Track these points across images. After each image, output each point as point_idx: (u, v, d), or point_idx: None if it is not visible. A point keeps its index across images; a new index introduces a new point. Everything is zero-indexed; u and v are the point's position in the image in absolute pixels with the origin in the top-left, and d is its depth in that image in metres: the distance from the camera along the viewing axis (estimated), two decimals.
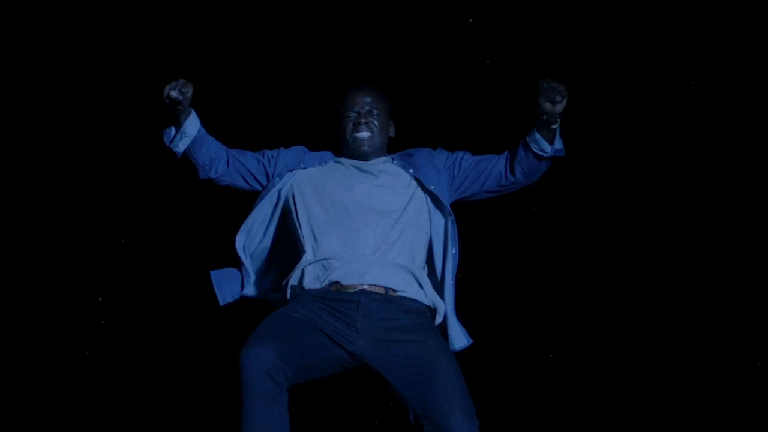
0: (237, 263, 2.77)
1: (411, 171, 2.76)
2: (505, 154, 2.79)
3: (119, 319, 3.87)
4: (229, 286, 2.75)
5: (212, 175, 2.79)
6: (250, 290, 2.80)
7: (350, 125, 2.78)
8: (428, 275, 2.72)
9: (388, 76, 3.55)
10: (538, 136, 2.67)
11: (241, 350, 2.31)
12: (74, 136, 3.91)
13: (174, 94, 2.58)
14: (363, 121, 2.77)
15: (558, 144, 2.70)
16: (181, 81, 2.59)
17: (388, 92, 2.92)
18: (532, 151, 2.69)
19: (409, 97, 3.51)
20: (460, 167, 2.80)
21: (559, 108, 2.57)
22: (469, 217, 2.93)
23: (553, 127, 2.64)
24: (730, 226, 3.73)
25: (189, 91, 2.60)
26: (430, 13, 3.80)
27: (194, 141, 2.71)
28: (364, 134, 2.77)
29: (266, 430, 2.28)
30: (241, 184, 2.83)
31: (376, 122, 2.79)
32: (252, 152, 2.85)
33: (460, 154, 2.84)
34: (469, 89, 3.78)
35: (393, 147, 2.94)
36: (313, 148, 2.93)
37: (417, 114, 3.48)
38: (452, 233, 2.74)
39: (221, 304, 2.74)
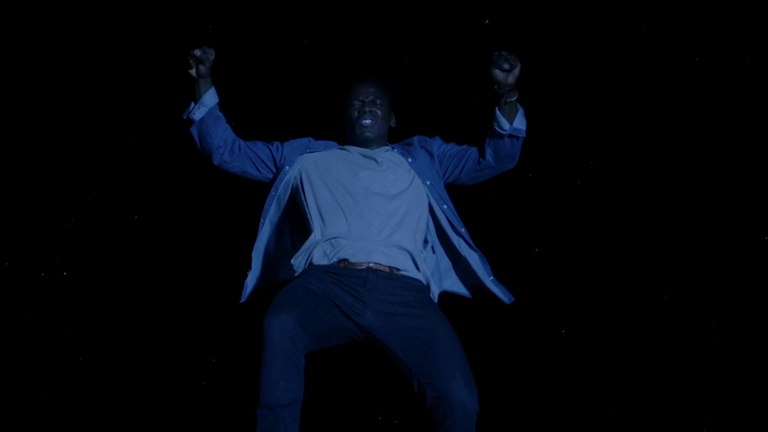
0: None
1: (410, 160, 2.92)
2: (473, 146, 2.94)
3: (122, 314, 3.91)
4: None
5: (226, 157, 2.92)
6: (260, 281, 2.94)
7: (355, 113, 2.94)
8: (450, 257, 2.94)
9: (390, 71, 3.63)
10: (498, 113, 2.77)
11: (264, 316, 2.44)
12: (78, 132, 3.95)
13: (198, 52, 2.76)
14: (367, 109, 2.93)
15: (518, 123, 2.77)
16: (205, 46, 2.78)
17: (389, 85, 3.08)
18: (494, 130, 2.80)
19: (411, 91, 3.60)
20: (446, 156, 2.96)
21: (511, 78, 2.67)
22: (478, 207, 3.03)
23: (510, 100, 2.73)
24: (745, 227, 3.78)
25: (212, 54, 2.79)
26: (434, 11, 3.88)
27: (211, 114, 2.86)
28: (367, 121, 2.93)
29: (285, 389, 2.40)
30: (251, 169, 2.97)
31: (378, 111, 2.95)
32: (262, 141, 3.00)
33: (451, 144, 3.00)
34: (471, 95, 3.87)
35: (393, 139, 3.11)
36: (317, 139, 3.07)
37: (417, 109, 3.57)
38: (453, 216, 2.90)
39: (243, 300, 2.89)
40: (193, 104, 2.87)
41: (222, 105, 2.92)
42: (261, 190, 3.00)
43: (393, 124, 3.05)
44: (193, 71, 2.80)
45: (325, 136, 3.09)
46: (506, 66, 2.64)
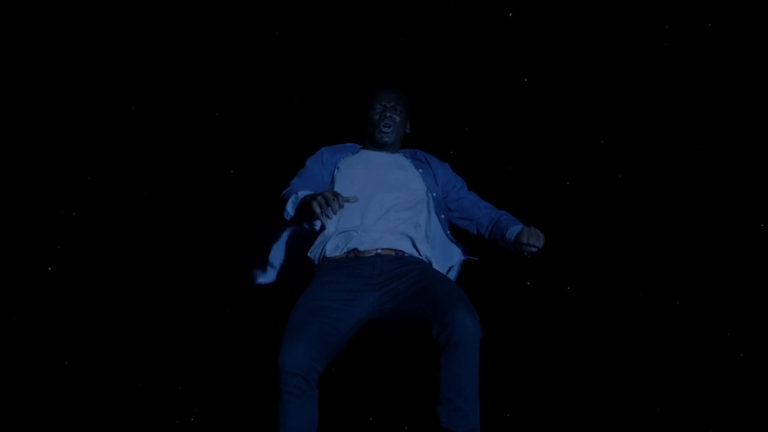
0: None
1: (420, 171, 3.23)
2: (490, 218, 3.15)
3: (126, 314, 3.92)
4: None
5: None
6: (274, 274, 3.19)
7: (377, 116, 3.24)
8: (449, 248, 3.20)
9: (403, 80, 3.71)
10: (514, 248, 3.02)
11: (278, 352, 2.66)
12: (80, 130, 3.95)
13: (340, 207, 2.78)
14: (388, 114, 3.23)
15: None
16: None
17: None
18: (508, 246, 3.06)
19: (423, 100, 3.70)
20: (451, 196, 3.23)
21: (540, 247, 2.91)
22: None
23: None
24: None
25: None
26: (443, 18, 3.96)
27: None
28: (387, 128, 3.23)
29: (299, 423, 2.66)
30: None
31: (397, 118, 3.26)
32: (304, 171, 3.16)
33: (459, 184, 3.27)
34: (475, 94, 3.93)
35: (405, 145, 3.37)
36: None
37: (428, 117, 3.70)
38: (446, 225, 3.22)
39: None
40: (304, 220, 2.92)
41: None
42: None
43: (408, 131, 3.33)
44: (322, 217, 2.76)
45: (338, 140, 3.34)
46: (535, 249, 2.90)
